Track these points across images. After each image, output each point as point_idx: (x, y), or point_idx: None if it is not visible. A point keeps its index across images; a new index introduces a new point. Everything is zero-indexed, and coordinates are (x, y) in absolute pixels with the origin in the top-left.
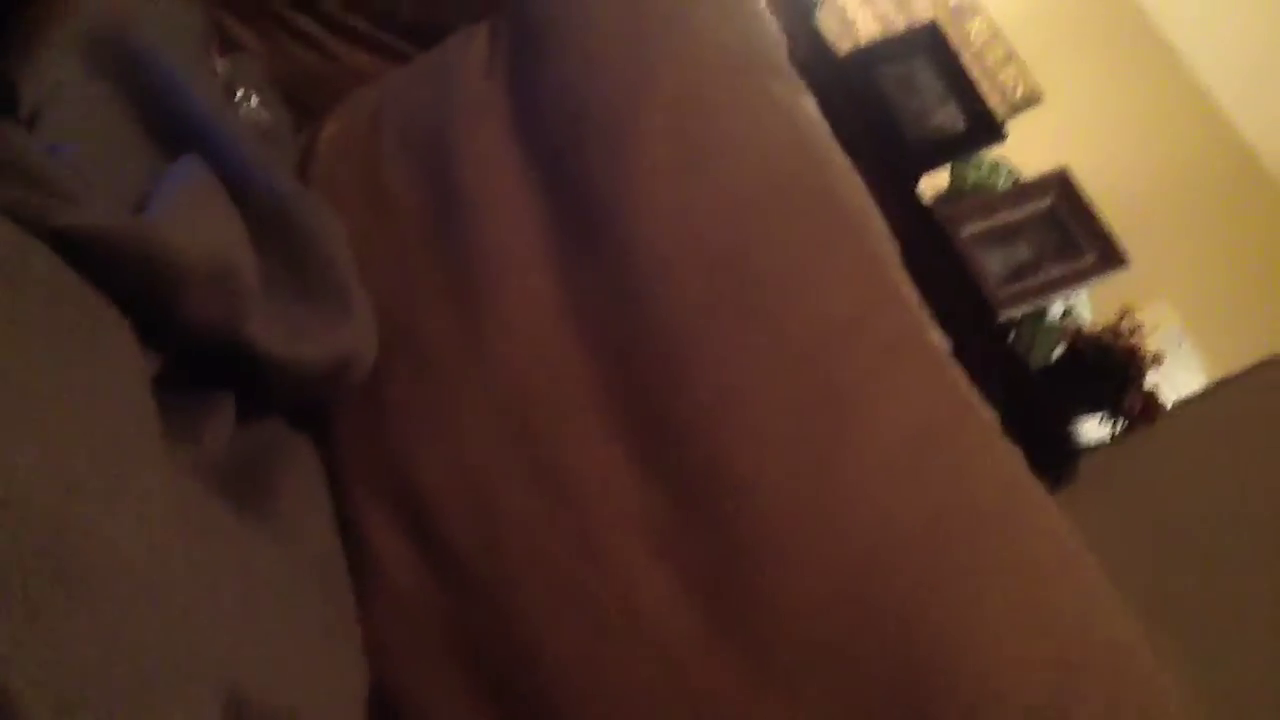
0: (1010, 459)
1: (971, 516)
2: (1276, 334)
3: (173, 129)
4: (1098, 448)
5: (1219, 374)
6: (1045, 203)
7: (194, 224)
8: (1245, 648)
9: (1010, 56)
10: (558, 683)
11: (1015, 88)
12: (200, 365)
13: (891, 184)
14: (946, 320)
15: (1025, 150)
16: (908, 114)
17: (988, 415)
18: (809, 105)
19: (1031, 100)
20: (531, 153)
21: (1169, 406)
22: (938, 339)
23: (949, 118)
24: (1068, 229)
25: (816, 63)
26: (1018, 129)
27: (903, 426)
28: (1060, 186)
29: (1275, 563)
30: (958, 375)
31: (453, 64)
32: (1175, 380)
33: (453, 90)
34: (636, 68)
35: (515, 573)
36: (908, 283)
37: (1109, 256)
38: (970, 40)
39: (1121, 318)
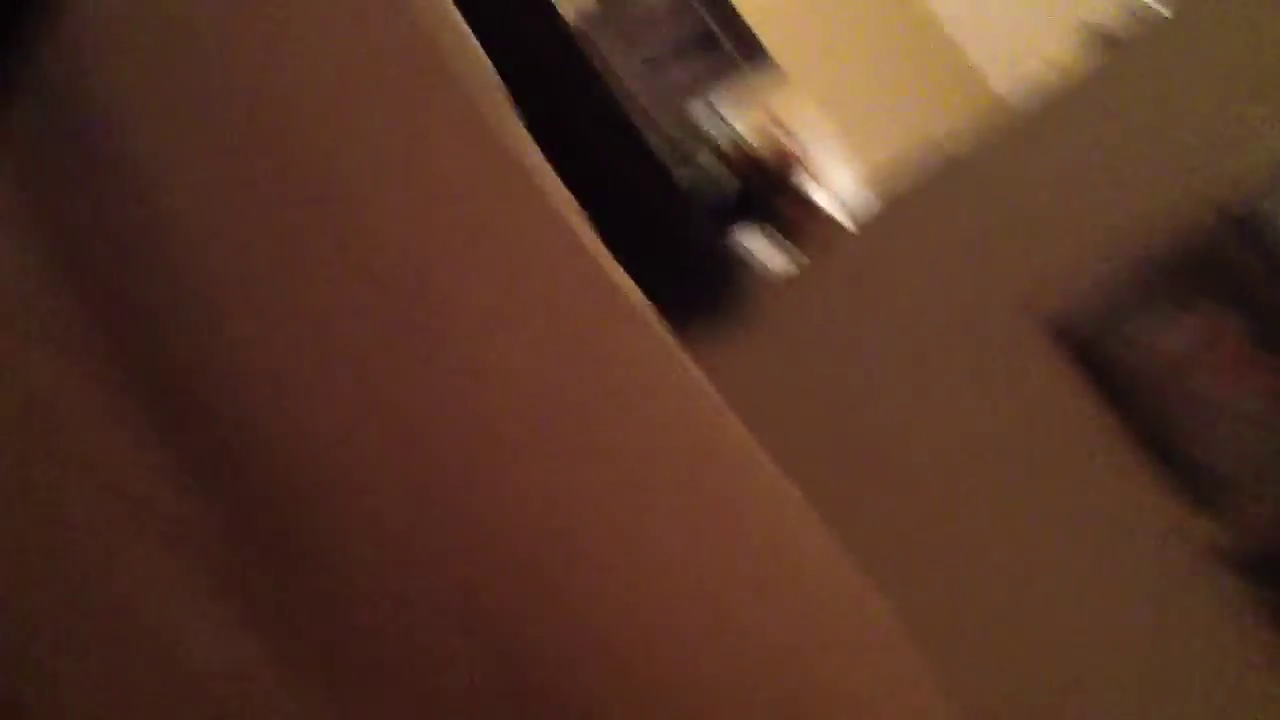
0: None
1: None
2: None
3: None
4: (776, 277)
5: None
6: None
7: None
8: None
9: None
10: None
11: None
12: None
13: None
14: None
15: None
16: None
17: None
18: None
19: None
20: None
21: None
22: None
23: None
24: (705, 21)
25: None
26: None
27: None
28: None
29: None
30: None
31: None
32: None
33: None
34: None
35: None
36: (531, 144)
37: (751, 51)
38: None
39: (768, 119)
